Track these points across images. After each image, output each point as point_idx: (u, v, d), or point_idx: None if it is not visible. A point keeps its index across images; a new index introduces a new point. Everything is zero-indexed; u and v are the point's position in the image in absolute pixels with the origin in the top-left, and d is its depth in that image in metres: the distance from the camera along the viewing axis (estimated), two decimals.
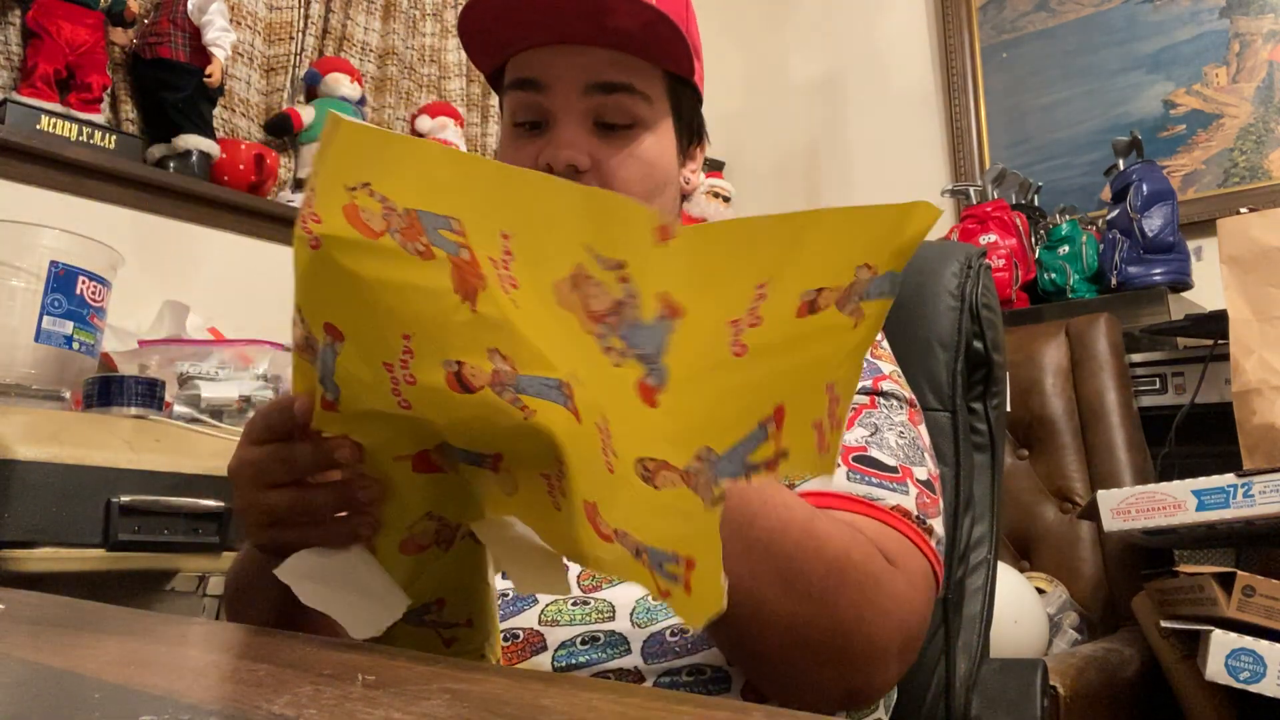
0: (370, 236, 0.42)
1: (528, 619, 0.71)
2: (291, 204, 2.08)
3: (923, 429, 0.78)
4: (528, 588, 0.54)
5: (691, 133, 0.85)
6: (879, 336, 0.84)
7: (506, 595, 0.72)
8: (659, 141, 0.80)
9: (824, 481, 0.69)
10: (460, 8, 2.57)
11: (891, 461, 0.71)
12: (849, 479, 0.69)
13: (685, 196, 0.88)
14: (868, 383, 0.77)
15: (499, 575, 0.70)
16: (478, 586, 0.58)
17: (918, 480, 0.72)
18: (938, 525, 0.71)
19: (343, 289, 0.43)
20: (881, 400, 0.77)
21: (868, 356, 0.79)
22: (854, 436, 0.72)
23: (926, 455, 0.76)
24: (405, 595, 0.52)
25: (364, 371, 0.44)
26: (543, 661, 0.69)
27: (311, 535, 0.53)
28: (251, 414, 1.52)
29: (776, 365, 0.45)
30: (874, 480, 0.69)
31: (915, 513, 0.69)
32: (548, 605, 0.71)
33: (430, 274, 0.41)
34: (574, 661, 0.69)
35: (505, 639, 0.70)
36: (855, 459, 0.71)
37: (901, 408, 0.77)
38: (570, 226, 0.43)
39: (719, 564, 0.45)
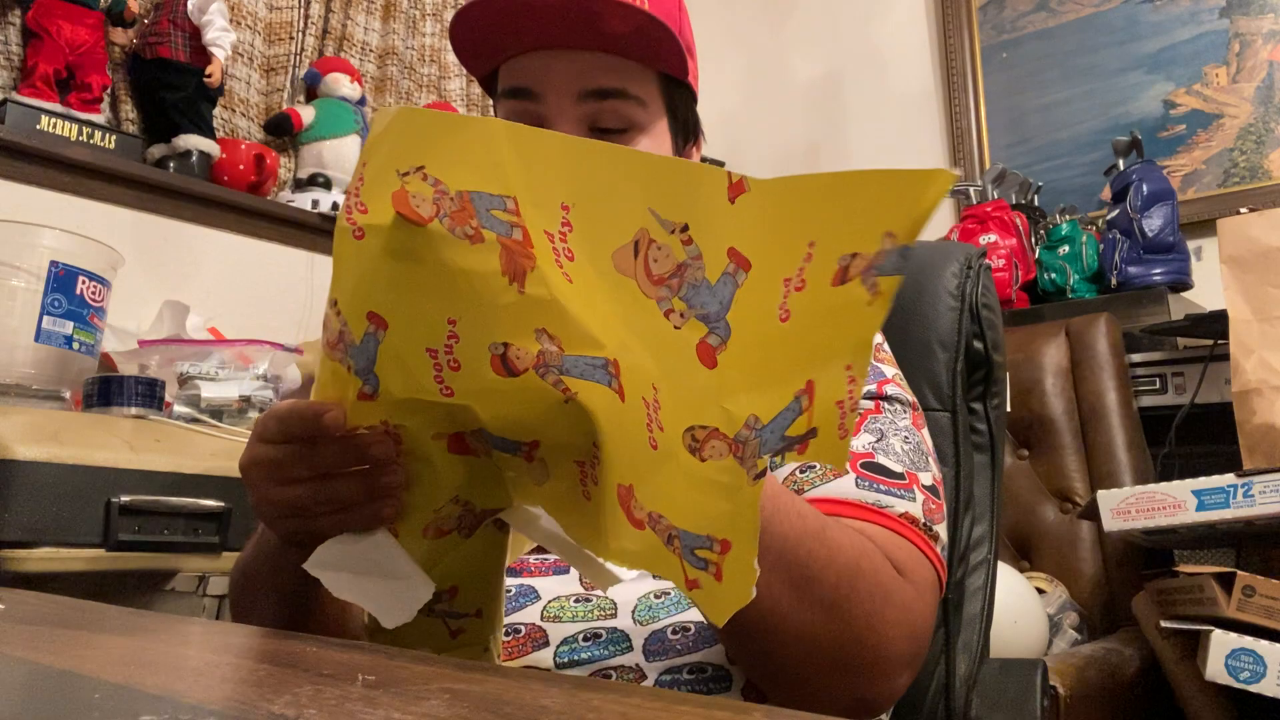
0: (419, 222, 0.42)
1: (530, 614, 0.71)
2: (292, 203, 2.08)
3: (925, 432, 0.78)
4: (588, 576, 0.54)
5: (687, 132, 0.85)
6: (880, 339, 0.84)
7: (509, 591, 0.72)
8: (655, 144, 0.80)
9: (833, 488, 0.69)
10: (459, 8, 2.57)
11: (898, 468, 0.71)
12: (857, 486, 0.69)
13: None
14: (872, 387, 0.77)
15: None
16: (492, 577, 0.58)
17: (924, 486, 0.72)
18: (942, 531, 0.72)
19: (388, 277, 0.43)
20: (886, 405, 0.77)
21: (872, 359, 0.79)
22: (860, 443, 0.73)
23: (930, 460, 0.76)
24: (430, 584, 0.52)
25: (408, 357, 0.45)
26: (544, 657, 0.69)
27: (334, 522, 0.53)
28: (254, 415, 1.53)
29: (811, 336, 0.46)
30: (882, 487, 0.69)
31: (922, 520, 0.69)
32: (550, 602, 0.72)
33: (478, 257, 0.42)
34: (576, 658, 0.69)
35: (507, 634, 0.70)
36: (863, 466, 0.71)
37: (905, 412, 0.77)
38: (633, 193, 0.43)
39: (755, 546, 0.45)
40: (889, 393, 0.78)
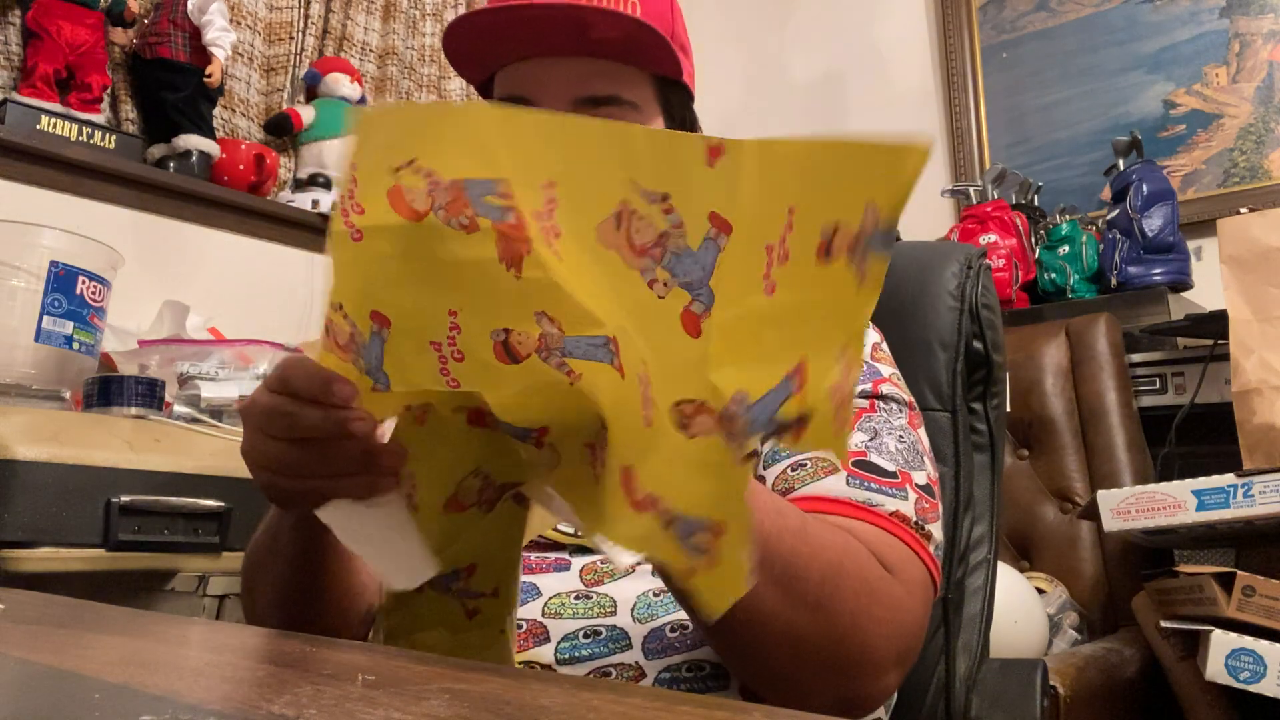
0: (414, 219, 0.42)
1: (531, 610, 0.71)
2: (292, 203, 2.08)
3: (922, 432, 0.78)
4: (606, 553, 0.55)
5: (685, 131, 0.85)
6: (879, 338, 0.84)
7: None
8: None
9: (822, 485, 0.69)
10: (461, 8, 2.57)
11: (891, 467, 0.71)
12: (848, 484, 0.69)
13: None
14: (867, 385, 0.77)
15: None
16: (510, 555, 0.58)
17: (917, 485, 0.71)
18: (937, 530, 0.71)
19: (388, 275, 0.43)
20: (881, 404, 0.76)
21: (867, 359, 0.79)
22: (853, 441, 0.72)
23: (926, 459, 0.75)
24: (435, 561, 0.52)
25: (413, 353, 0.45)
26: (546, 653, 0.69)
27: (314, 487, 0.53)
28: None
29: (799, 313, 0.46)
30: (873, 485, 0.69)
31: (914, 518, 0.69)
32: (551, 598, 0.72)
33: (475, 246, 0.42)
34: (576, 655, 0.69)
35: None
36: (855, 464, 0.70)
37: (901, 411, 0.77)
38: (614, 166, 0.43)
39: (747, 531, 0.45)
40: (884, 391, 0.77)
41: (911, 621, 0.65)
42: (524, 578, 0.73)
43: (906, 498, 0.70)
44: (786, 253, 0.45)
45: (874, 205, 0.45)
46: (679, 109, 0.83)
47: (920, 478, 0.73)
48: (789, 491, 0.70)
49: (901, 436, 0.75)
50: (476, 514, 0.54)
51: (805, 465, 0.71)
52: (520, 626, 0.71)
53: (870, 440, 0.73)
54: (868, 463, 0.71)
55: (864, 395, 0.76)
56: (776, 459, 0.73)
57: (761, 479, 0.73)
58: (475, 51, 0.79)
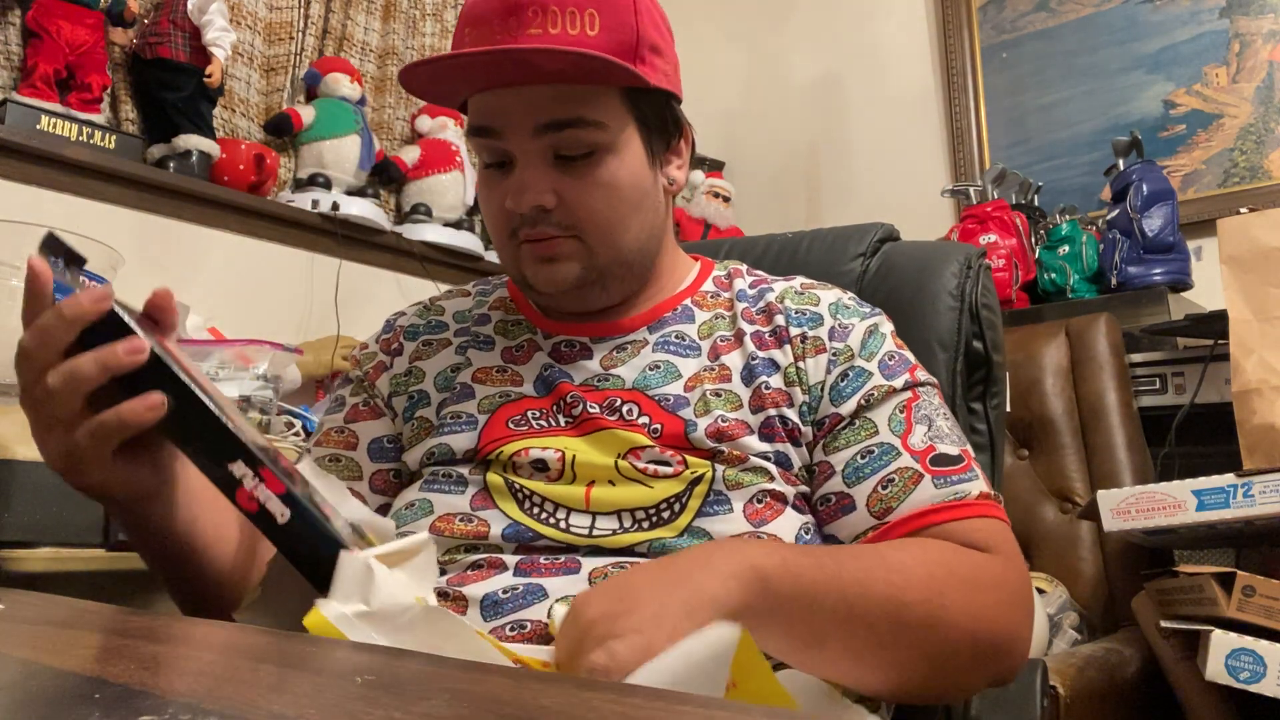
0: None
1: (537, 611, 0.71)
2: (292, 203, 2.08)
3: (946, 404, 0.84)
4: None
5: (666, 132, 0.84)
6: (891, 327, 0.86)
7: (516, 589, 0.72)
8: (624, 161, 0.80)
9: (916, 499, 0.75)
10: (460, 7, 2.57)
11: (955, 450, 0.77)
12: (935, 486, 0.75)
13: (678, 195, 0.88)
14: (907, 376, 0.81)
15: (511, 573, 0.72)
16: None
17: (973, 458, 0.78)
18: (995, 490, 0.78)
19: None
20: (921, 390, 0.81)
21: (894, 349, 0.83)
22: (918, 437, 0.77)
23: (959, 428, 0.81)
24: None
25: None
26: (547, 653, 0.69)
27: (85, 422, 0.60)
28: (254, 415, 1.53)
29: None
30: (954, 478, 0.75)
31: (990, 492, 0.76)
32: (557, 601, 0.72)
33: None
34: None
35: (512, 629, 0.70)
36: (931, 461, 0.76)
37: (934, 391, 0.83)
38: None
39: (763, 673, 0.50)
40: (921, 378, 0.82)
41: (1018, 585, 0.72)
42: (531, 579, 0.73)
43: (977, 476, 0.76)
44: None
45: None
46: (654, 114, 0.82)
47: (970, 449, 0.79)
48: (888, 511, 0.75)
49: (945, 414, 0.81)
50: None
51: (893, 480, 0.76)
52: (525, 627, 0.70)
53: (929, 431, 0.78)
54: (939, 455, 0.76)
55: (906, 386, 0.80)
56: (861, 477, 0.77)
57: (849, 497, 0.77)
58: (435, 91, 0.82)
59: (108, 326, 0.60)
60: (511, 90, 0.77)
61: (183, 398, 0.60)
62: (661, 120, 0.83)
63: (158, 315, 0.65)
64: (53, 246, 0.64)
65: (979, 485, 0.76)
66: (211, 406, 0.60)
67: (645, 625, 0.54)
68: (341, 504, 0.67)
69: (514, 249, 0.81)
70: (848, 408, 0.79)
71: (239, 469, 0.59)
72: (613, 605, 0.56)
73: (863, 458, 0.77)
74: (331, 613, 0.53)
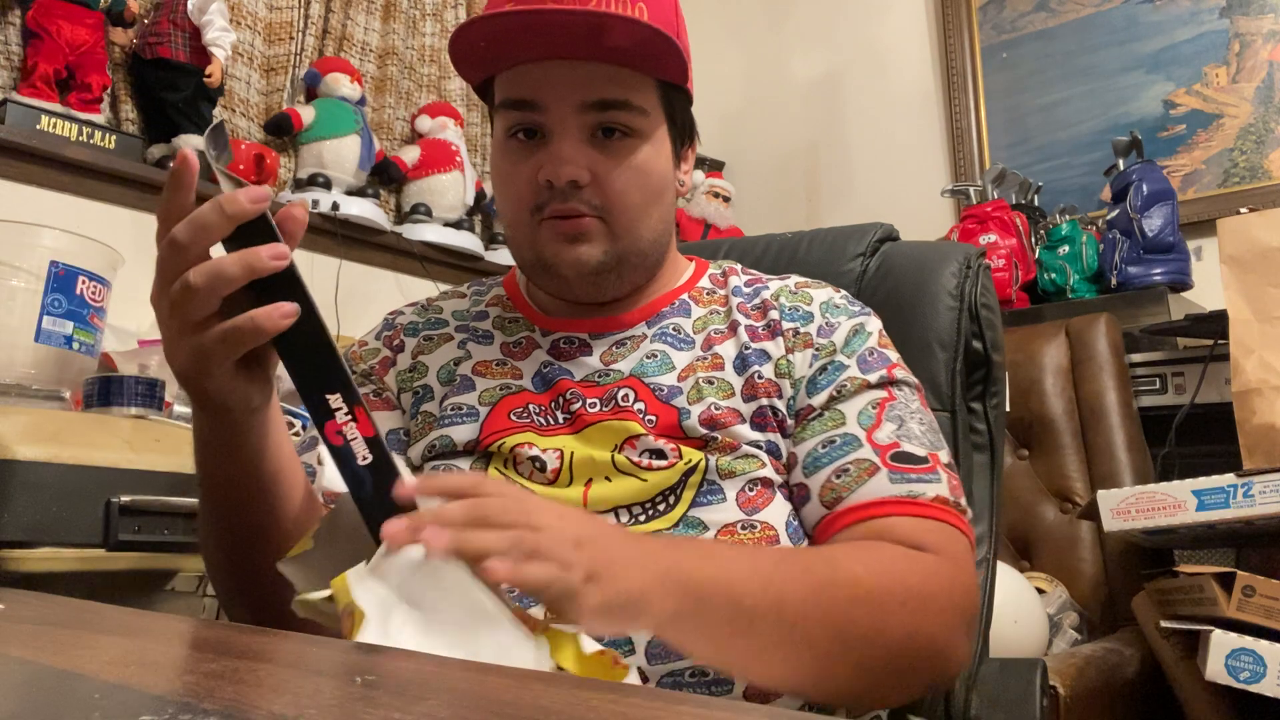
0: None
1: (535, 613, 0.71)
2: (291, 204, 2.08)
3: (929, 410, 0.83)
4: None
5: (684, 135, 0.86)
6: (879, 325, 0.85)
7: (513, 592, 0.72)
8: (656, 151, 0.81)
9: (870, 489, 0.74)
10: (460, 8, 2.57)
11: (921, 452, 0.76)
12: (891, 481, 0.74)
13: (680, 196, 0.88)
14: (882, 373, 0.80)
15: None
16: None
17: (944, 464, 0.77)
18: (963, 500, 0.77)
19: None
20: (896, 389, 0.80)
21: (876, 346, 0.83)
22: (885, 433, 0.76)
23: (940, 436, 0.80)
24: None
25: None
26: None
27: (225, 331, 0.58)
28: None
29: None
30: (912, 477, 0.74)
31: (951, 498, 0.75)
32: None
33: None
34: None
35: None
36: (891, 457, 0.75)
37: (914, 393, 0.82)
38: None
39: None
40: (898, 377, 0.81)
41: (961, 589, 0.71)
42: None
43: (940, 480, 0.75)
44: None
45: None
46: (680, 113, 0.84)
47: (944, 455, 0.78)
48: (838, 500, 0.74)
49: (921, 419, 0.79)
50: None
51: (848, 470, 0.75)
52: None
53: (899, 430, 0.77)
54: (902, 453, 0.75)
55: (881, 383, 0.80)
56: (818, 466, 0.76)
57: (805, 487, 0.77)
58: (484, 53, 0.79)
59: (256, 228, 0.58)
60: (559, 64, 0.77)
61: (307, 313, 0.58)
62: (685, 121, 0.85)
63: (289, 226, 0.62)
64: (217, 139, 0.62)
65: (939, 489, 0.74)
66: (328, 331, 0.59)
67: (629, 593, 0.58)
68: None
69: (533, 227, 0.80)
70: (819, 399, 0.79)
71: (336, 400, 0.58)
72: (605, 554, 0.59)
73: (824, 447, 0.77)
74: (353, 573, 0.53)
